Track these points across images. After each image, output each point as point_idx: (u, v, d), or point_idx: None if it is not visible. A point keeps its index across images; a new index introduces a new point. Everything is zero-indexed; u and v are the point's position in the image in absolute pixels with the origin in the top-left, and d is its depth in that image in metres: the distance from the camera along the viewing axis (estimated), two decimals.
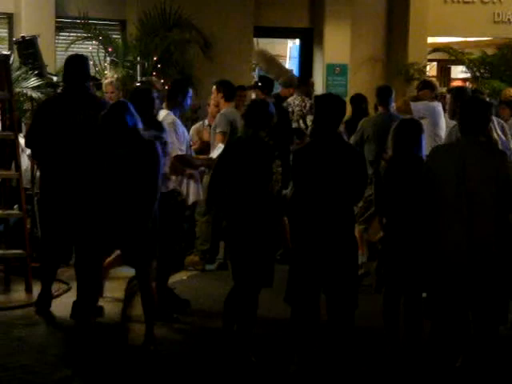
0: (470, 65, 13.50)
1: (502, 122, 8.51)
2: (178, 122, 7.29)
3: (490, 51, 13.55)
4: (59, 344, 5.90)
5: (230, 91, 8.93)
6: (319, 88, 13.30)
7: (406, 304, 6.06)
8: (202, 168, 7.52)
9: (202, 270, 8.86)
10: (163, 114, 7.20)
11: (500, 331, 5.62)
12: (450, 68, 15.87)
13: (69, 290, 7.32)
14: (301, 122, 10.56)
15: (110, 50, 11.64)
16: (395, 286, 6.04)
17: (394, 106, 8.74)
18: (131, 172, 5.86)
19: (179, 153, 6.99)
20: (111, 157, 5.93)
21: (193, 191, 7.37)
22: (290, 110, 10.67)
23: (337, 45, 13.33)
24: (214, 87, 8.99)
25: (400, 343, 6.02)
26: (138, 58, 11.33)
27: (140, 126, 5.93)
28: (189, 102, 7.33)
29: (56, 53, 11.63)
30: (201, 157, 7.86)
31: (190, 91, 7.34)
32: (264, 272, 5.91)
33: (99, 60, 11.66)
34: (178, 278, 8.28)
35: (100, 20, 12.16)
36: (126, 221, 5.88)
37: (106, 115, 5.94)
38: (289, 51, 15.14)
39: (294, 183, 5.86)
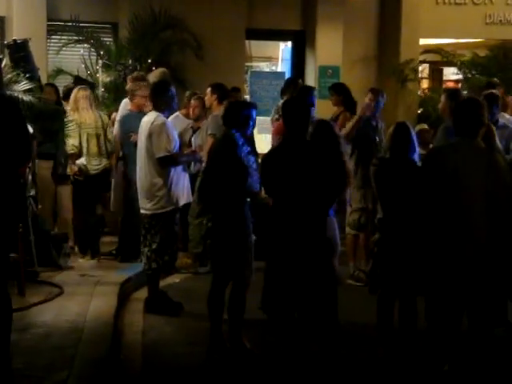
0: (461, 66, 13.50)
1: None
2: (169, 123, 7.29)
3: (481, 52, 13.54)
4: (52, 348, 5.87)
5: (223, 94, 8.99)
6: None
7: (400, 305, 6.07)
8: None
9: (195, 273, 8.86)
10: (153, 116, 7.20)
11: (497, 333, 5.62)
12: (441, 69, 15.88)
13: (61, 293, 7.32)
14: None
15: (101, 52, 11.62)
16: (390, 288, 6.05)
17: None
18: None
19: (166, 154, 7.02)
20: None
21: (183, 194, 7.37)
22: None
23: (329, 47, 13.31)
24: (209, 89, 9.07)
25: (393, 343, 6.03)
26: (130, 61, 11.31)
27: None
28: (176, 102, 7.43)
29: (48, 56, 11.61)
30: (184, 151, 7.86)
31: (173, 91, 7.37)
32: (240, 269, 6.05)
33: (91, 63, 11.65)
34: (170, 280, 8.28)
35: (92, 23, 12.15)
36: None
37: None
38: (281, 53, 15.09)
39: (264, 188, 5.95)
